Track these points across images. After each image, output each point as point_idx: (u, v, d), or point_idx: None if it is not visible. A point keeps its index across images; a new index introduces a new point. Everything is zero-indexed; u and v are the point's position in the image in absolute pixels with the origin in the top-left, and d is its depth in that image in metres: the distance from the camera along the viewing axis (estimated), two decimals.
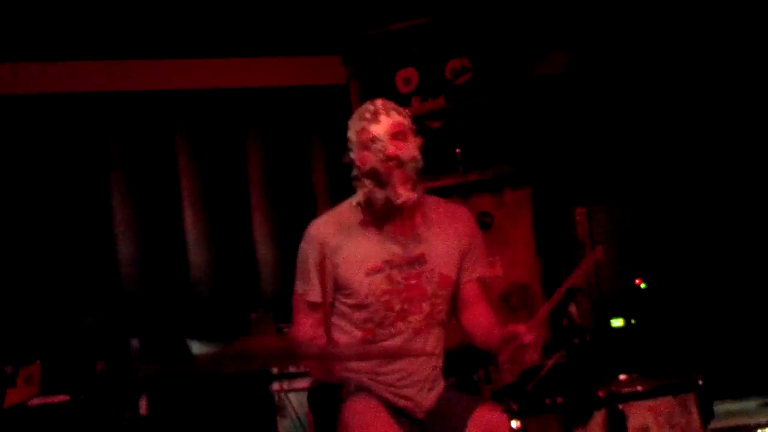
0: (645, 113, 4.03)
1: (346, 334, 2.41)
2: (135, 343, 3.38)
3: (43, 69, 4.24)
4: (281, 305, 2.91)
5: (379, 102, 2.42)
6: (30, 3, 3.92)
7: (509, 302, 3.72)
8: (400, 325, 2.37)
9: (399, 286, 2.36)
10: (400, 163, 2.32)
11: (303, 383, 2.94)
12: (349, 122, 2.42)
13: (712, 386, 1.70)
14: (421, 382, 2.41)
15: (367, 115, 2.37)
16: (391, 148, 2.32)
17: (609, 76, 4.18)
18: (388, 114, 2.36)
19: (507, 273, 3.75)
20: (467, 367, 3.37)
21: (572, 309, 1.78)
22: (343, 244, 2.36)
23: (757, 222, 3.59)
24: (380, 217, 2.38)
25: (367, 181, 2.36)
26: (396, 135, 2.35)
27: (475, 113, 4.01)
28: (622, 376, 1.73)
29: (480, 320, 2.46)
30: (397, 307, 2.36)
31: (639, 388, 1.65)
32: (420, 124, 4.11)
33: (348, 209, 2.44)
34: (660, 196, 3.78)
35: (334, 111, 4.51)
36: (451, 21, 4.10)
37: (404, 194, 2.33)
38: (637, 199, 3.79)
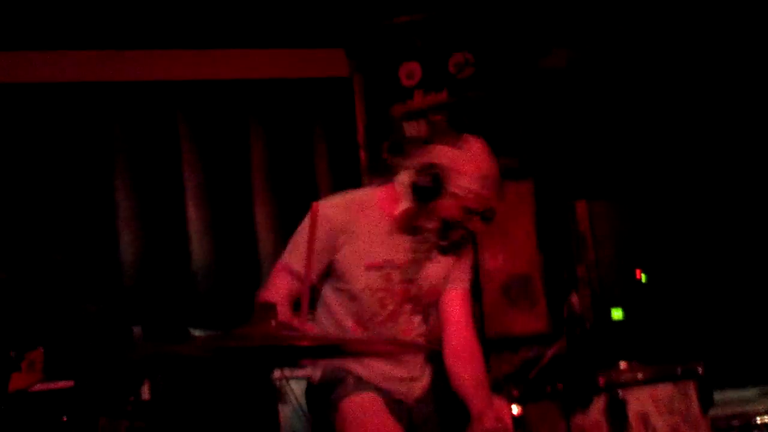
0: (646, 108, 4.04)
1: (335, 322, 2.41)
2: (137, 330, 3.39)
3: (45, 58, 4.23)
4: None
5: (495, 172, 2.36)
6: None
7: (509, 294, 3.74)
8: (390, 325, 2.38)
9: (395, 286, 2.36)
10: (458, 231, 2.32)
11: (304, 372, 2.95)
12: (456, 160, 2.29)
13: (712, 374, 1.72)
14: (410, 371, 2.42)
15: (484, 182, 2.30)
16: (473, 225, 2.32)
17: (611, 71, 4.19)
18: (494, 191, 2.32)
19: (508, 265, 3.76)
20: None
21: (573, 299, 1.79)
22: (351, 232, 2.35)
23: (756, 215, 3.60)
24: (399, 221, 2.36)
25: (410, 195, 2.31)
26: (484, 215, 2.32)
27: (477, 107, 4.02)
28: (622, 364, 1.74)
29: (464, 374, 2.35)
30: (390, 307, 2.37)
31: (639, 375, 1.67)
32: (423, 118, 4.17)
33: (361, 197, 2.41)
34: (661, 190, 3.79)
35: (337, 104, 4.52)
36: (454, 15, 4.10)
37: (432, 240, 2.32)
38: (637, 193, 3.80)
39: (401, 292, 2.36)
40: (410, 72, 4.21)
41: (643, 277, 3.47)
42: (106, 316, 3.51)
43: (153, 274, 4.16)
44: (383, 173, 4.20)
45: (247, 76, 4.50)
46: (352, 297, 2.37)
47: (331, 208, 2.36)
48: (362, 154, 4.28)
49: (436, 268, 2.41)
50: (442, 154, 2.31)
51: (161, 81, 4.38)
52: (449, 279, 2.45)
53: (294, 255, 2.35)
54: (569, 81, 4.24)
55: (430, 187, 2.29)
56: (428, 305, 2.45)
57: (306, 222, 2.35)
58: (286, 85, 4.54)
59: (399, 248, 2.36)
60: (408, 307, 2.40)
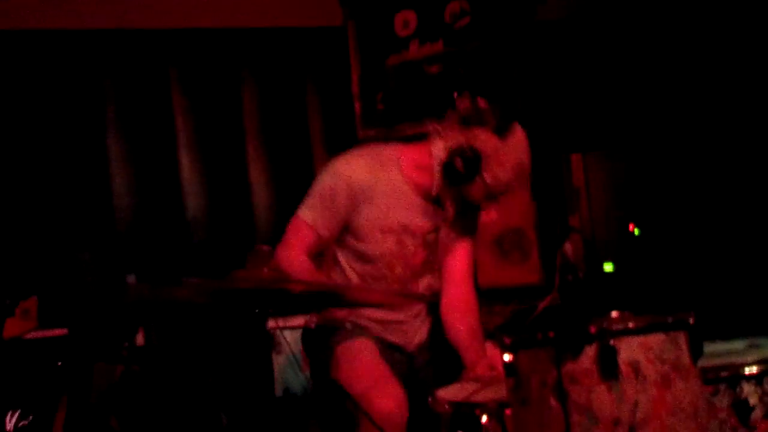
0: (643, 60, 4.00)
1: (342, 276, 2.43)
2: (131, 279, 3.40)
3: (35, 5, 4.17)
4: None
5: (529, 164, 2.35)
6: None
7: (503, 246, 3.76)
8: (397, 287, 2.39)
9: (407, 252, 2.37)
10: (478, 212, 2.33)
11: (298, 321, 2.97)
12: (504, 146, 2.26)
13: (703, 325, 1.73)
14: (411, 320, 2.45)
15: (517, 173, 2.29)
16: (493, 212, 2.31)
17: (609, 21, 4.14)
18: (524, 181, 2.34)
19: (501, 217, 3.76)
20: None
21: (567, 247, 1.80)
22: (371, 193, 2.32)
23: (751, 167, 3.60)
24: (420, 188, 2.35)
25: (450, 184, 2.29)
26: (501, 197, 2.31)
27: (473, 58, 3.98)
28: (614, 313, 1.75)
29: (460, 325, 2.41)
30: (398, 271, 2.38)
31: (630, 324, 1.67)
32: (418, 69, 4.13)
33: (390, 157, 2.36)
34: (656, 144, 3.78)
35: (331, 53, 4.47)
36: None
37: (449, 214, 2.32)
38: (632, 146, 3.79)
39: (412, 258, 2.37)
40: (406, 21, 4.16)
41: (636, 231, 3.49)
42: (99, 264, 3.52)
43: (146, 224, 4.17)
44: (378, 124, 4.18)
45: (240, 24, 4.45)
46: (364, 257, 2.38)
47: (354, 169, 2.32)
48: (357, 105, 4.25)
49: (449, 234, 2.43)
50: (484, 139, 2.25)
51: (153, 29, 4.32)
52: (454, 234, 2.46)
53: (313, 213, 2.33)
54: (566, 32, 4.19)
55: (463, 173, 2.26)
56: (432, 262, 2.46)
57: (326, 181, 2.32)
58: (278, 34, 4.48)
59: (416, 215, 2.35)
60: (419, 270, 2.42)
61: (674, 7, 3.99)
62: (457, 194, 2.30)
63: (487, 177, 2.24)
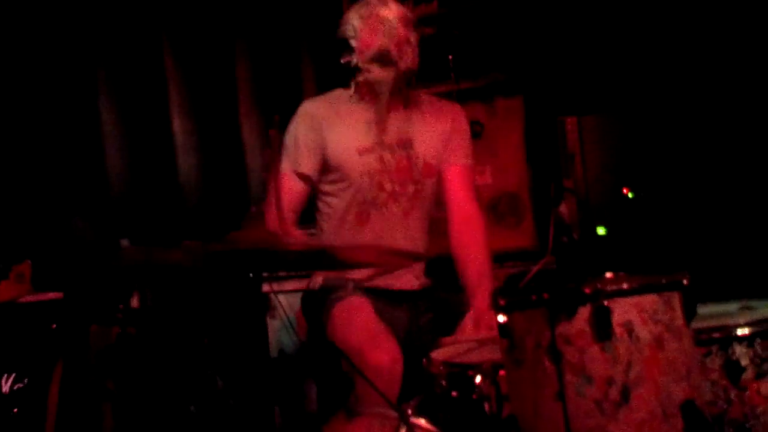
0: (640, 21, 3.96)
1: (337, 222, 2.45)
2: (125, 243, 3.40)
3: None
4: None
5: (394, 13, 2.48)
6: None
7: (497, 209, 3.76)
8: (392, 204, 2.43)
9: (390, 166, 2.42)
10: (409, 43, 2.37)
11: (293, 285, 2.98)
12: (348, 13, 2.44)
13: (696, 286, 1.74)
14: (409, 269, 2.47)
15: (374, 1, 2.41)
16: (403, 30, 2.37)
17: None
18: (393, 2, 2.43)
19: (496, 181, 3.76)
20: (453, 272, 3.42)
21: (562, 208, 1.80)
22: (335, 121, 2.42)
23: (747, 131, 3.59)
24: (375, 101, 2.41)
25: (371, 65, 2.38)
26: (403, 20, 2.39)
27: (468, 20, 3.94)
28: (608, 274, 1.76)
29: (468, 259, 2.48)
30: (388, 187, 2.43)
31: (624, 285, 1.68)
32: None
33: (341, 93, 2.50)
34: (652, 107, 3.76)
35: (325, 16, 4.41)
36: None
37: (410, 75, 2.37)
38: (628, 110, 3.77)
39: (396, 170, 2.42)
40: None
41: (630, 194, 3.49)
42: (93, 228, 3.51)
43: (140, 188, 4.16)
44: None
45: None
46: (351, 186, 2.42)
47: (312, 103, 2.50)
48: None
49: (428, 144, 2.47)
50: (348, 19, 2.47)
51: None
52: (445, 158, 2.50)
53: (288, 159, 2.40)
54: None
55: (344, 51, 2.36)
56: (432, 191, 2.48)
57: (290, 127, 2.41)
58: None
59: (386, 130, 2.42)
60: (411, 188, 2.44)
61: None
62: (372, 71, 2.37)
63: (351, 37, 2.42)
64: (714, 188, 3.51)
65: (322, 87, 4.44)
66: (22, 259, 3.03)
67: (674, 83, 3.85)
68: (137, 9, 4.24)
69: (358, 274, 2.45)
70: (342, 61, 2.47)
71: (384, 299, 2.47)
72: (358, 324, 2.34)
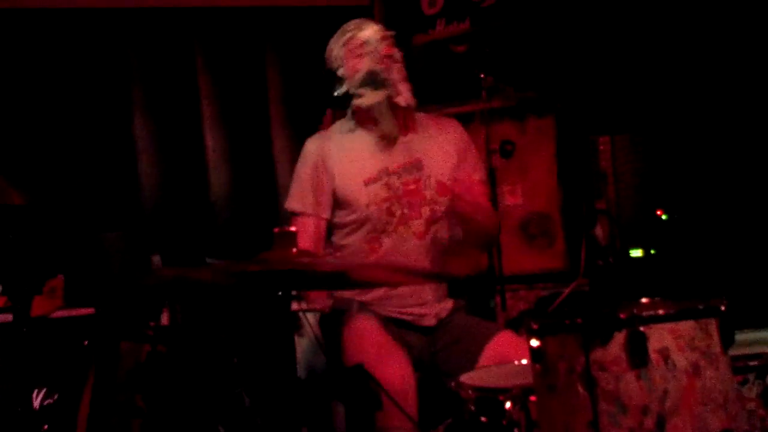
0: (675, 41, 3.92)
1: (350, 251, 2.44)
2: (156, 259, 3.42)
3: None
4: None
5: (357, 19, 2.55)
6: None
7: (527, 230, 3.72)
8: (402, 229, 2.41)
9: (398, 191, 2.41)
10: (395, 60, 2.36)
11: (321, 304, 2.97)
12: (330, 45, 2.46)
13: (735, 312, 1.70)
14: (427, 295, 2.44)
15: (351, 27, 2.44)
16: (384, 48, 2.37)
17: (638, 1, 4.06)
18: (371, 23, 2.47)
19: (527, 201, 3.73)
20: (482, 293, 3.40)
21: (597, 231, 1.76)
22: (339, 156, 2.41)
23: None
24: (375, 126, 2.40)
25: (363, 89, 2.38)
26: (384, 39, 2.40)
27: (500, 38, 3.93)
28: (644, 300, 1.72)
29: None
30: (398, 213, 2.41)
31: (661, 311, 1.64)
32: (444, 48, 4.09)
33: (340, 125, 2.50)
34: (685, 127, 3.71)
35: None
36: None
37: (405, 92, 2.36)
38: (661, 129, 3.72)
39: (405, 195, 2.40)
40: (432, 0, 4.11)
41: (664, 216, 3.43)
42: (125, 244, 3.53)
43: (171, 204, 4.19)
44: None
45: (265, 3, 4.42)
46: (360, 216, 2.40)
47: (314, 141, 2.47)
48: None
49: (439, 163, 2.45)
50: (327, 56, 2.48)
51: (177, 7, 4.31)
52: (459, 176, 2.48)
53: (298, 200, 2.41)
54: (595, 10, 4.11)
55: (333, 84, 2.36)
56: (437, 204, 2.45)
57: (296, 169, 2.43)
58: (305, 13, 4.45)
59: (391, 156, 2.40)
60: (425, 210, 2.41)
61: None
62: (367, 95, 2.35)
63: (340, 73, 2.43)
64: (751, 210, 3.45)
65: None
66: (54, 274, 3.06)
67: (709, 101, 3.80)
68: (171, 27, 4.29)
69: (368, 295, 2.44)
70: (334, 94, 2.47)
71: (396, 324, 2.45)
72: (367, 343, 2.32)
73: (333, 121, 2.28)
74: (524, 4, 3.92)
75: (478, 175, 2.55)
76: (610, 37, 4.12)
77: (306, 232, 2.38)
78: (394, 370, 2.22)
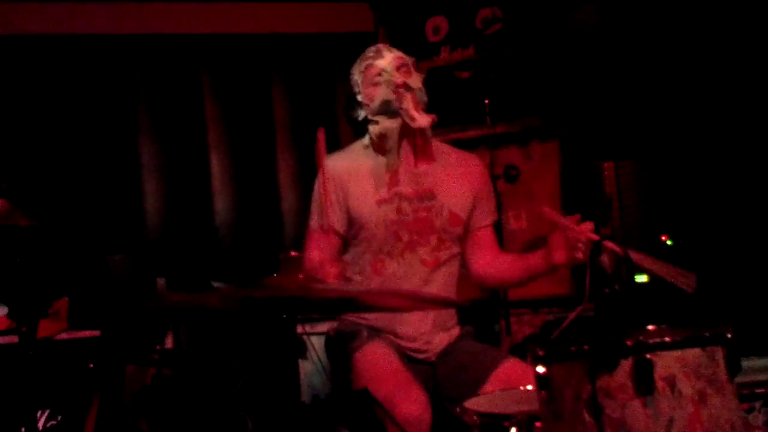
0: (677, 67, 3.95)
1: (358, 273, 2.44)
2: (161, 282, 3.42)
3: (70, 9, 4.22)
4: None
5: (378, 45, 2.55)
6: None
7: None
8: (409, 255, 2.41)
9: (407, 217, 2.41)
10: (409, 88, 2.37)
11: (326, 327, 2.97)
12: (352, 70, 2.48)
13: (741, 340, 1.69)
14: (430, 325, 2.43)
15: (370, 54, 2.46)
16: (399, 77, 2.38)
17: (641, 28, 4.09)
18: (390, 50, 2.47)
19: (531, 226, 3.74)
20: (487, 318, 3.39)
21: (604, 258, 1.77)
22: (356, 175, 2.43)
23: None
24: (392, 152, 2.41)
25: (378, 117, 2.40)
26: (400, 67, 2.41)
27: (504, 64, 3.96)
28: (650, 327, 1.72)
29: (495, 261, 2.49)
30: (405, 238, 2.41)
31: (667, 338, 1.64)
32: (449, 74, 4.12)
33: (359, 147, 2.51)
34: (690, 152, 3.72)
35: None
36: None
37: (418, 118, 2.38)
38: (666, 154, 3.74)
39: (414, 221, 2.40)
40: (437, 27, 4.15)
41: (669, 241, 3.43)
42: (130, 267, 3.54)
43: (177, 227, 4.20)
44: None
45: (271, 30, 4.46)
46: (367, 235, 2.41)
47: (334, 159, 2.47)
48: None
49: (455, 196, 2.45)
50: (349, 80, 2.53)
51: (185, 34, 4.36)
52: (476, 219, 2.49)
53: (314, 213, 2.43)
54: (598, 37, 4.14)
55: (353, 108, 2.44)
56: (447, 233, 2.46)
57: (315, 186, 2.44)
58: (309, 40, 4.50)
59: (406, 180, 2.41)
60: (433, 239, 2.42)
61: (710, 13, 3.93)
62: (383, 122, 2.40)
63: (357, 91, 2.48)
64: (757, 236, 3.45)
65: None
66: (59, 296, 3.06)
67: (713, 126, 3.81)
68: (178, 53, 4.33)
69: (374, 320, 2.43)
70: (353, 116, 2.50)
71: (401, 348, 2.44)
72: (384, 373, 2.30)
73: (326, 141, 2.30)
74: (528, 32, 3.95)
75: (490, 220, 2.56)
76: (613, 63, 4.15)
77: (319, 247, 2.39)
78: (414, 405, 2.20)
